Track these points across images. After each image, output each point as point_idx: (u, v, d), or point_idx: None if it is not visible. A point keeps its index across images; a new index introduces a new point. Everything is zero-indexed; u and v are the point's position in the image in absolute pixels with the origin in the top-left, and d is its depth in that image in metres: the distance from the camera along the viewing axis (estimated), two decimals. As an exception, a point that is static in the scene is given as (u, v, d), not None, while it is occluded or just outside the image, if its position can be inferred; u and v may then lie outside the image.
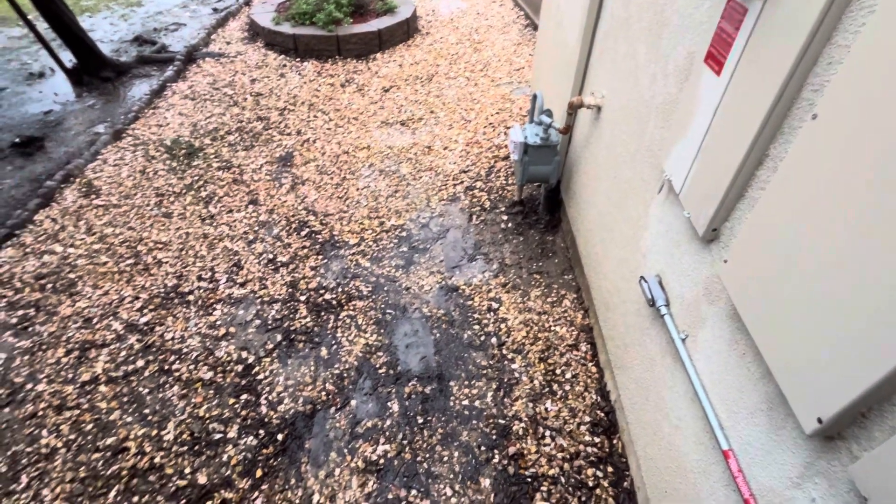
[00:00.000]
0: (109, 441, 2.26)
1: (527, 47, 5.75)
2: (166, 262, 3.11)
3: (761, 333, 1.19)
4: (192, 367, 2.56)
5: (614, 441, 2.29)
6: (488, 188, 3.76)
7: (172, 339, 2.68)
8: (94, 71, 5.06)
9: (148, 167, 3.89)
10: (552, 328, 2.77)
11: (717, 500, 1.44)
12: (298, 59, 5.46)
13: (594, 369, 2.56)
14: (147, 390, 2.46)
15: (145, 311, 2.82)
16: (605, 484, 2.15)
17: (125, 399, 2.43)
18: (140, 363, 2.57)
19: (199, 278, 3.02)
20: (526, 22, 6.38)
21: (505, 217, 3.52)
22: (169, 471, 2.17)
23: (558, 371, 2.56)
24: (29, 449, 2.22)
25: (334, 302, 2.93)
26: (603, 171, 2.54)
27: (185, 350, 2.63)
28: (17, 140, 4.17)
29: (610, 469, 2.20)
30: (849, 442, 0.98)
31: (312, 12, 5.56)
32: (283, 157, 4.07)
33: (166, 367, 2.55)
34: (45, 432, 2.28)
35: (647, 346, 1.95)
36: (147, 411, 2.38)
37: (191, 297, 2.90)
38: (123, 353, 2.61)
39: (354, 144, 4.23)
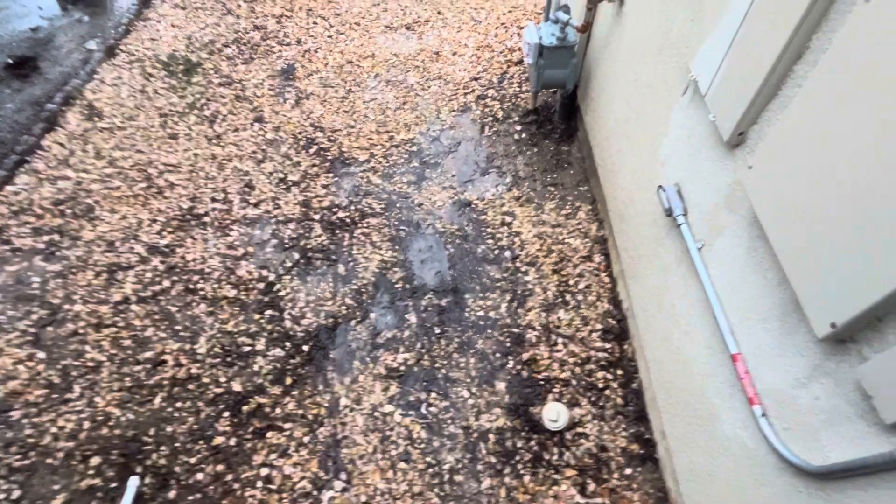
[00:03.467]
0: (148, 355, 2.42)
1: (542, -69, 5.14)
2: (178, 185, 3.11)
3: (781, 241, 1.17)
4: (215, 285, 2.65)
5: (624, 347, 2.37)
6: (501, 96, 3.58)
7: (194, 259, 2.75)
8: (75, -20, 4.71)
9: (147, 86, 3.75)
10: (566, 240, 2.77)
11: (722, 399, 1.51)
12: (291, -43, 4.99)
13: (607, 280, 2.59)
14: (176, 308, 2.58)
15: (164, 233, 2.87)
16: (615, 385, 2.27)
17: (157, 317, 2.55)
18: (166, 283, 2.67)
19: (213, 199, 3.03)
20: None
21: (518, 127, 3.38)
22: (206, 380, 2.34)
23: (571, 282, 2.60)
24: (76, 363, 2.39)
25: (348, 220, 2.94)
26: (623, 75, 2.38)
27: (207, 270, 2.71)
28: (9, 61, 4.01)
29: (619, 372, 2.31)
30: (860, 345, 0.99)
31: None
32: (284, 69, 3.87)
33: (191, 287, 2.65)
34: (88, 347, 2.44)
35: (662, 255, 1.95)
36: (179, 328, 2.51)
37: (206, 219, 2.94)
38: (149, 274, 2.71)
39: (358, 53, 3.99)
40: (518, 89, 3.61)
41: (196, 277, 2.68)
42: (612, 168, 2.56)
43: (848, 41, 0.98)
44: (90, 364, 2.39)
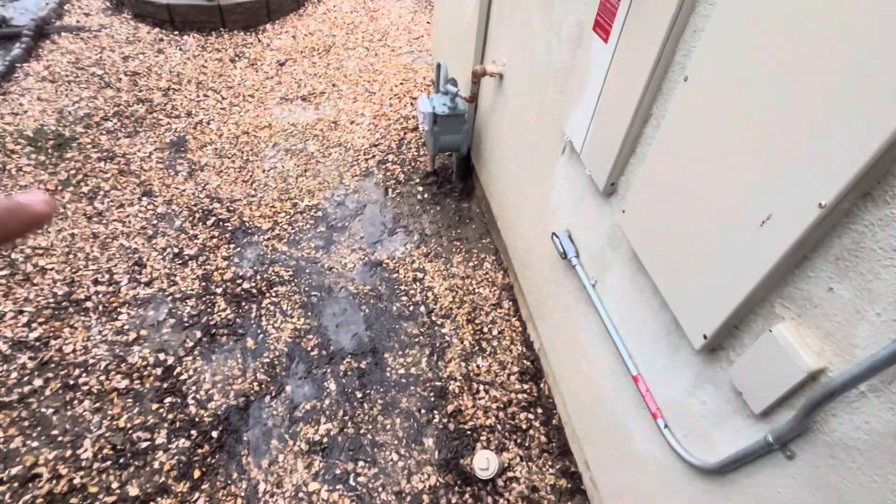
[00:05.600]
0: (14, 471, 2.05)
1: (423, 15, 5.70)
2: (51, 269, 2.78)
3: (656, 270, 1.38)
4: (102, 377, 2.36)
5: (541, 385, 2.50)
6: (401, 160, 3.77)
7: (74, 351, 2.44)
8: (-86, 52, 4.22)
9: (8, 163, 3.39)
10: (476, 290, 2.91)
11: (631, 418, 1.66)
12: (177, 33, 4.96)
13: (517, 323, 2.75)
14: (52, 410, 2.24)
15: (34, 325, 2.53)
16: (537, 424, 2.37)
17: (26, 424, 2.19)
18: (38, 382, 2.32)
19: (96, 282, 2.74)
20: (420, -12, 6.28)
21: (420, 188, 3.57)
22: (93, 489, 2.03)
23: (485, 329, 2.72)
24: (-89, 496, 1.95)
25: (254, 290, 2.83)
26: (510, 136, 2.67)
27: (90, 361, 2.41)
28: None
29: (540, 410, 2.41)
30: (727, 351, 1.18)
31: (186, -21, 5.02)
32: (174, 142, 3.74)
33: (71, 383, 2.33)
34: (-71, 475, 2.01)
35: (563, 295, 2.14)
36: (56, 432, 2.17)
37: (88, 304, 2.64)
38: (14, 374, 2.34)
39: (254, 124, 3.99)
40: (416, 153, 3.83)
41: (77, 371, 2.37)
42: (510, 220, 2.80)
43: (678, 109, 1.25)
44: (-68, 495, 1.96)
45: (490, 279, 2.98)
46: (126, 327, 2.57)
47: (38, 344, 2.46)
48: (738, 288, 1.06)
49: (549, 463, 2.25)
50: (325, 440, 2.26)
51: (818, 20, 0.85)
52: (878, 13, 0.75)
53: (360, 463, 2.20)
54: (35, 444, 2.13)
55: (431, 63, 4.82)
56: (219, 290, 2.81)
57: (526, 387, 2.50)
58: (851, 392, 0.88)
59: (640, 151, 1.47)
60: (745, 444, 1.13)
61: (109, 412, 2.25)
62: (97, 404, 2.27)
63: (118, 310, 2.64)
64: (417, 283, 2.93)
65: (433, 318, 2.76)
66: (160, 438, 2.19)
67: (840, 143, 0.82)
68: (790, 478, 1.04)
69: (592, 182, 1.73)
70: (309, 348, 2.59)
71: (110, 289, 2.73)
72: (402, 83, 4.56)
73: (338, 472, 2.17)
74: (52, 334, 2.50)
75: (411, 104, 4.31)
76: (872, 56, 0.76)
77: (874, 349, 0.84)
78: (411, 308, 2.81)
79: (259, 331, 2.64)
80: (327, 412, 2.35)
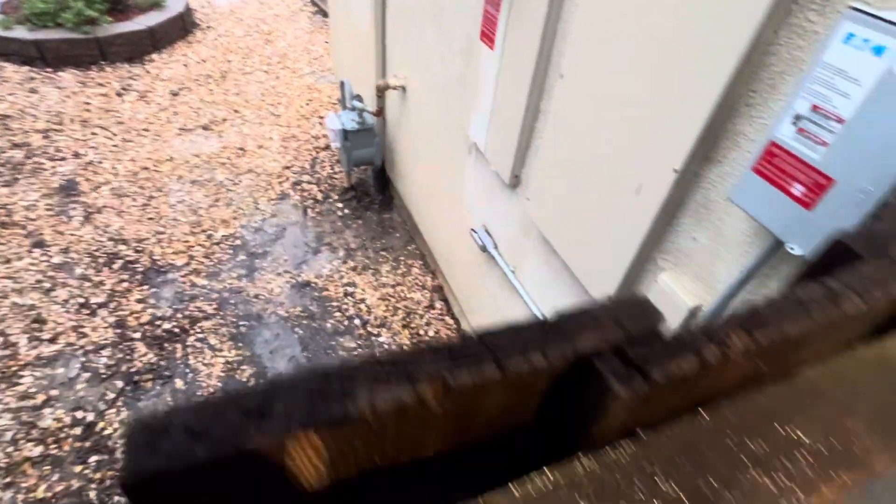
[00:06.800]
0: (-88, 572, 1.80)
1: (320, 35, 5.72)
2: (-71, 341, 2.47)
3: (562, 247, 1.54)
4: (10, 449, 2.14)
5: (481, 376, 2.62)
6: (316, 179, 3.76)
7: (-30, 426, 2.19)
8: None
9: None
10: (408, 296, 2.99)
11: (562, 386, 1.82)
12: (50, 70, 4.57)
13: (451, 321, 2.86)
14: (-49, 496, 1.99)
15: (-85, 406, 2.23)
16: (481, 413, 2.47)
17: (-80, 517, 1.93)
18: (-71, 469, 2.05)
19: (-12, 348, 2.47)
20: (314, 9, 6.30)
21: (340, 204, 3.59)
22: (15, 572, 1.83)
23: (422, 332, 2.80)
24: None
25: (176, 329, 2.70)
26: (419, 145, 2.79)
27: (-7, 434, 2.17)
28: None
29: (482, 399, 2.53)
30: (628, 307, 1.36)
31: (55, 11, 4.66)
32: (63, 186, 3.45)
33: (-28, 462, 2.09)
34: None
35: (489, 286, 2.28)
36: (-40, 519, 1.94)
37: (-18, 373, 2.38)
38: None
39: (153, 158, 3.79)
40: (331, 171, 3.84)
41: (-22, 447, 2.12)
42: (431, 224, 2.91)
43: (560, 103, 1.42)
44: None
45: (420, 283, 3.07)
46: (32, 390, 2.34)
47: (-77, 426, 2.17)
48: (628, 250, 1.24)
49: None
50: (274, 468, 2.21)
51: (645, 25, 1.04)
52: (679, 28, 0.94)
53: (314, 483, 2.18)
54: (-65, 537, 1.89)
55: (335, 82, 4.85)
56: (137, 335, 2.64)
57: (467, 380, 2.60)
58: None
59: (535, 144, 1.64)
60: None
61: (23, 485, 2.05)
62: (7, 479, 2.05)
63: (19, 373, 2.40)
64: (349, 298, 2.95)
65: (369, 329, 2.79)
66: (92, 500, 2.03)
67: (679, 119, 1.01)
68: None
69: (499, 177, 1.88)
70: (244, 379, 2.52)
71: (7, 352, 2.47)
72: (307, 103, 4.55)
73: (292, 497, 2.13)
74: (-60, 413, 2.22)
75: (320, 123, 4.32)
76: (691, 50, 0.95)
77: (731, 282, 1.03)
78: (346, 323, 2.82)
79: (188, 370, 2.52)
80: (273, 440, 2.30)
